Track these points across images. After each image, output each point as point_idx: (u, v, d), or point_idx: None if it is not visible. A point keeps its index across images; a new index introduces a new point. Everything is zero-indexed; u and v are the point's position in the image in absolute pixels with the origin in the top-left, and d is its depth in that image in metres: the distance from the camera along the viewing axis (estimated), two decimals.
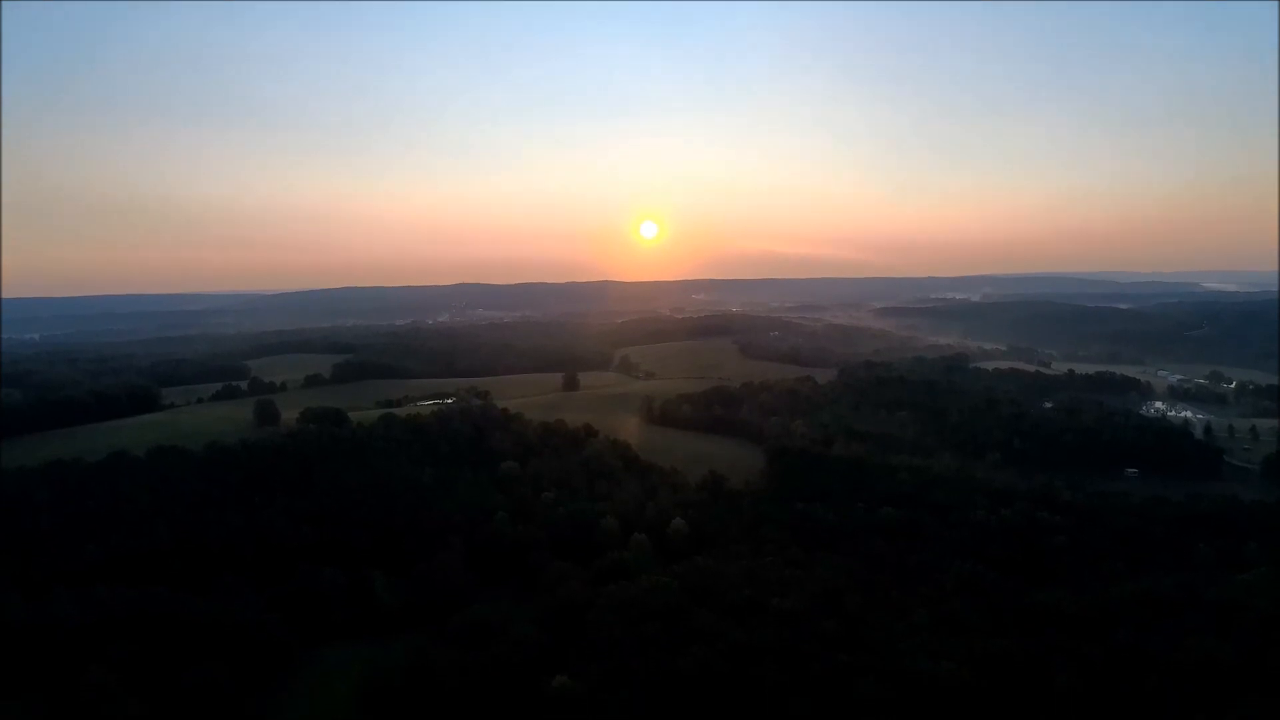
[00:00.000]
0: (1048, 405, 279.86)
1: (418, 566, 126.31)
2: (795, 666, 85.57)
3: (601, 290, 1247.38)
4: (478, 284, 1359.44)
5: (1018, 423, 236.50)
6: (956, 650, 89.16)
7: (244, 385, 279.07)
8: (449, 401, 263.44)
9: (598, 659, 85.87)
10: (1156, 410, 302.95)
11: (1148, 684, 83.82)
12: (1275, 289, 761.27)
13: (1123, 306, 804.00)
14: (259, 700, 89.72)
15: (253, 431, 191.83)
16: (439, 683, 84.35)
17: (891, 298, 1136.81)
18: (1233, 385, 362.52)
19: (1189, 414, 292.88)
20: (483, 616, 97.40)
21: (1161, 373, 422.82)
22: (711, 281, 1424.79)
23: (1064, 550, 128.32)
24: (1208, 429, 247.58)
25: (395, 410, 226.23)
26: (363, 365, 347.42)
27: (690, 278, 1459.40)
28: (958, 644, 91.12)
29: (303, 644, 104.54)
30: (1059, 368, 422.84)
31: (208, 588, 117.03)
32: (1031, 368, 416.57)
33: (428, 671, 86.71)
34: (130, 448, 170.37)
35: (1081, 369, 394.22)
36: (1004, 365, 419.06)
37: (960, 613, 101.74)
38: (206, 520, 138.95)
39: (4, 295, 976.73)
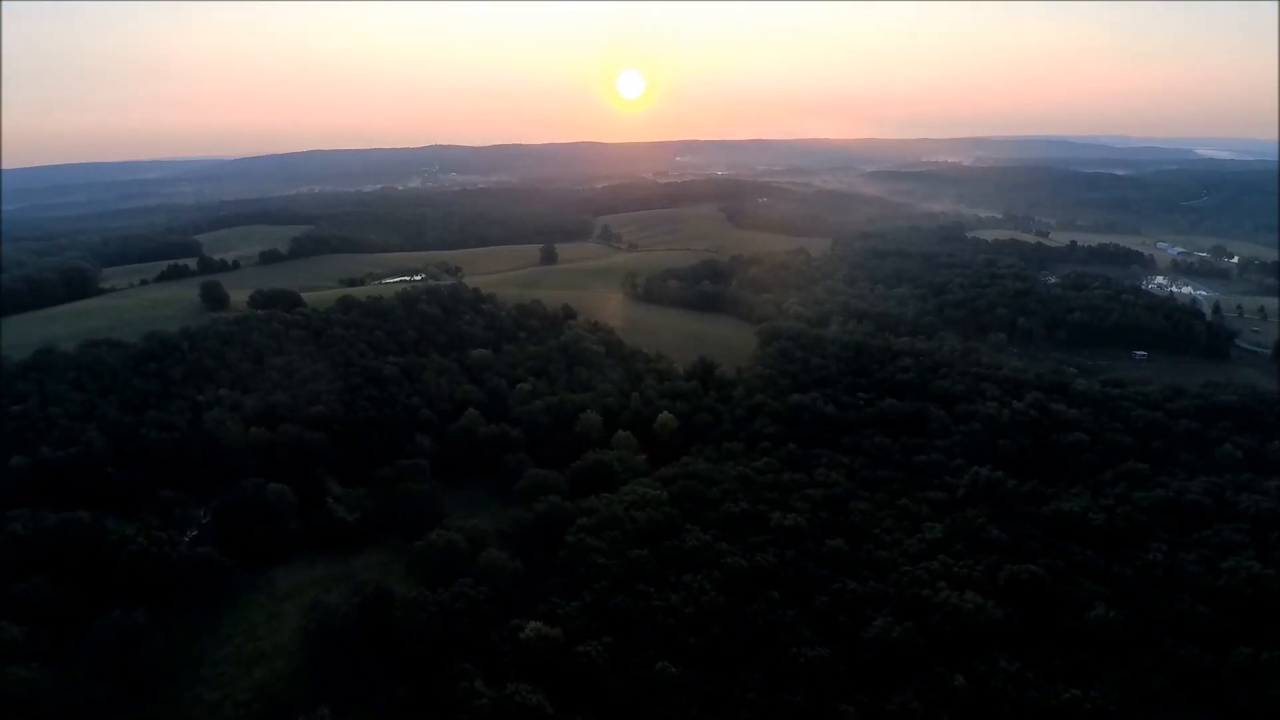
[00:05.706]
0: (1051, 280, 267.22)
1: (381, 471, 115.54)
2: (800, 598, 76.49)
3: (581, 152, 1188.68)
4: (451, 146, 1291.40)
5: (1022, 300, 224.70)
6: (978, 575, 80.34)
7: (193, 264, 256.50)
8: (416, 279, 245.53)
9: (578, 593, 75.90)
10: (1159, 285, 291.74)
11: (1186, 611, 76.12)
12: (1272, 158, 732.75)
13: (1119, 173, 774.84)
14: (195, 636, 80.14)
15: (199, 317, 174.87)
16: (398, 623, 74.33)
17: (882, 161, 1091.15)
18: (1235, 260, 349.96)
19: (1193, 291, 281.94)
20: (450, 541, 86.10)
21: (1162, 244, 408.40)
22: (696, 143, 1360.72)
23: (1082, 448, 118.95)
24: (1216, 308, 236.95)
25: (355, 291, 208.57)
26: (324, 238, 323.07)
27: (674, 139, 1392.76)
28: (978, 566, 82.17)
29: (253, 564, 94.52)
30: (1058, 238, 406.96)
31: (147, 502, 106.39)
32: (1031, 238, 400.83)
33: (386, 605, 76.59)
34: (62, 340, 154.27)
35: (1082, 240, 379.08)
36: (1002, 235, 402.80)
37: (976, 525, 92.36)
38: (145, 422, 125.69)
39: None
